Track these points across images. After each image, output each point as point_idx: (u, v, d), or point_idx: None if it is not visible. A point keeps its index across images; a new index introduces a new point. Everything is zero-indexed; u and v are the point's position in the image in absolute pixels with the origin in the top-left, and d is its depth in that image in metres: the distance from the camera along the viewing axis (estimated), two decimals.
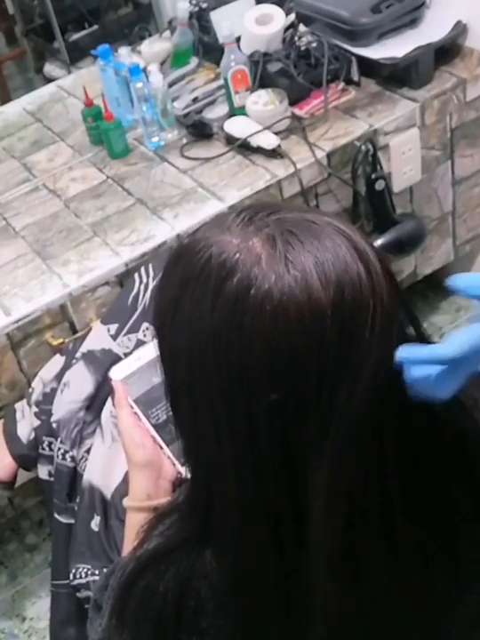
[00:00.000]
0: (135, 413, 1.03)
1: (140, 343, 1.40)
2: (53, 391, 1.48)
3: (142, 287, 1.46)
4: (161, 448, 1.01)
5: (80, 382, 1.41)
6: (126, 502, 1.04)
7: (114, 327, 1.43)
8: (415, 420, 0.67)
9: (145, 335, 1.40)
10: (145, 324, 1.41)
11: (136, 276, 1.49)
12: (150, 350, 1.06)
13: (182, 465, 1.02)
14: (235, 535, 0.69)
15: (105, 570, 1.14)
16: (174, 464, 1.02)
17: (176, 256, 0.69)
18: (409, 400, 0.66)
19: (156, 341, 0.71)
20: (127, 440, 1.02)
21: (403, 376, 0.65)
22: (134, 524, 0.99)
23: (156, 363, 1.07)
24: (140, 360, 1.07)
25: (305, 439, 0.64)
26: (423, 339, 0.71)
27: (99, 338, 1.44)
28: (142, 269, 1.49)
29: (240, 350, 0.63)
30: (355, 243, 0.64)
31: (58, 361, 1.52)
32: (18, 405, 1.57)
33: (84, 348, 1.45)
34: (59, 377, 1.48)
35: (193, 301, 0.65)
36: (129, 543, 1.04)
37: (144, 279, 1.47)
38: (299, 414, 0.63)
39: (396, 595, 0.70)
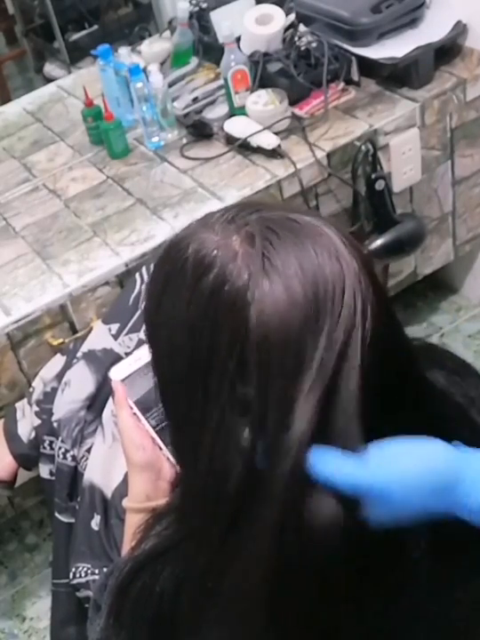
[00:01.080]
0: (134, 414, 1.03)
1: (141, 342, 1.40)
2: (54, 390, 1.48)
3: (143, 287, 1.46)
4: (160, 449, 1.01)
5: (81, 382, 1.42)
6: (125, 503, 1.04)
7: (115, 327, 1.43)
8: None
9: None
10: None
11: (137, 275, 1.49)
12: (148, 352, 1.07)
13: None
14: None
15: (105, 569, 1.14)
16: (174, 465, 1.01)
17: (163, 253, 0.71)
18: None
19: (146, 335, 0.73)
20: (127, 441, 1.02)
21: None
22: (133, 525, 0.98)
23: None
24: (139, 360, 1.06)
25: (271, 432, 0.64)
26: (404, 346, 0.71)
27: (100, 337, 1.44)
28: (143, 269, 1.50)
29: (212, 344, 0.64)
30: (334, 243, 0.65)
31: (59, 360, 1.52)
32: (18, 405, 1.57)
33: (85, 347, 1.46)
34: (59, 376, 1.48)
35: (173, 296, 0.67)
36: (128, 543, 1.04)
37: (145, 279, 1.47)
38: (263, 408, 0.64)
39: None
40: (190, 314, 0.65)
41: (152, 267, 1.47)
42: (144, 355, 1.05)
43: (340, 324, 0.63)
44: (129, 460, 1.02)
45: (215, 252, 0.65)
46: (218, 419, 0.65)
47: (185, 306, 0.65)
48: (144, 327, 1.38)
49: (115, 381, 1.05)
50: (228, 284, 0.63)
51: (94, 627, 0.94)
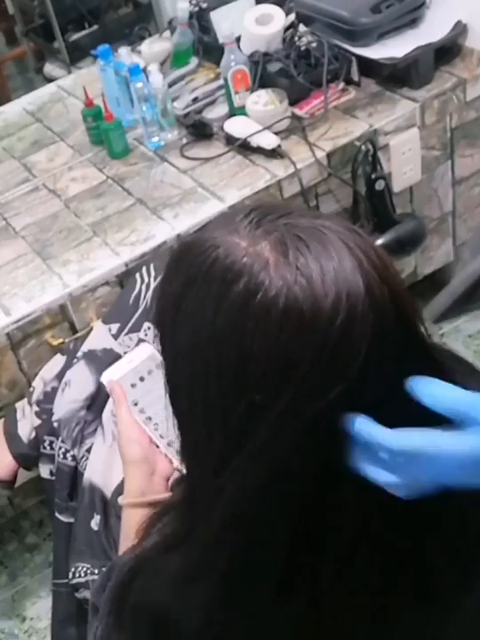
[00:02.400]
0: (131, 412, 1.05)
1: (140, 342, 1.40)
2: (54, 390, 1.48)
3: (144, 287, 1.46)
4: (157, 446, 1.03)
5: (81, 382, 1.42)
6: (121, 500, 1.05)
7: (115, 326, 1.44)
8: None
9: (146, 334, 1.41)
10: (146, 324, 1.41)
11: (137, 275, 1.49)
12: (141, 353, 1.10)
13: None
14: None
15: (103, 569, 1.14)
16: (171, 461, 1.03)
17: (181, 252, 0.68)
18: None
19: (157, 336, 0.71)
20: (123, 437, 1.03)
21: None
22: (130, 521, 1.01)
23: (148, 365, 1.09)
24: (131, 362, 1.08)
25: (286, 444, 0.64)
26: (432, 365, 0.69)
27: (100, 337, 1.44)
28: (143, 269, 1.49)
29: (240, 354, 0.62)
30: (360, 257, 0.63)
31: (59, 360, 1.52)
32: (18, 405, 1.57)
33: (85, 347, 1.46)
34: (60, 376, 1.48)
35: (197, 302, 0.64)
36: (125, 541, 1.05)
37: (145, 279, 1.47)
38: (284, 419, 0.63)
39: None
40: (218, 322, 0.63)
41: (152, 267, 1.49)
42: (135, 357, 1.09)
43: (355, 338, 0.62)
44: (124, 456, 1.03)
45: (245, 259, 0.62)
46: (234, 427, 0.64)
47: (211, 313, 0.63)
48: (148, 329, 1.39)
49: (111, 381, 1.07)
50: (261, 294, 0.61)
51: (93, 629, 0.94)
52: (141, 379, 1.05)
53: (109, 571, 0.95)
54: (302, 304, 0.61)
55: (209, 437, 0.66)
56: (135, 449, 1.02)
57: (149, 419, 1.03)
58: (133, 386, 1.05)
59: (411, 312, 0.66)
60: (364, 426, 0.63)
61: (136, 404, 1.03)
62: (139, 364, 1.05)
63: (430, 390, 0.64)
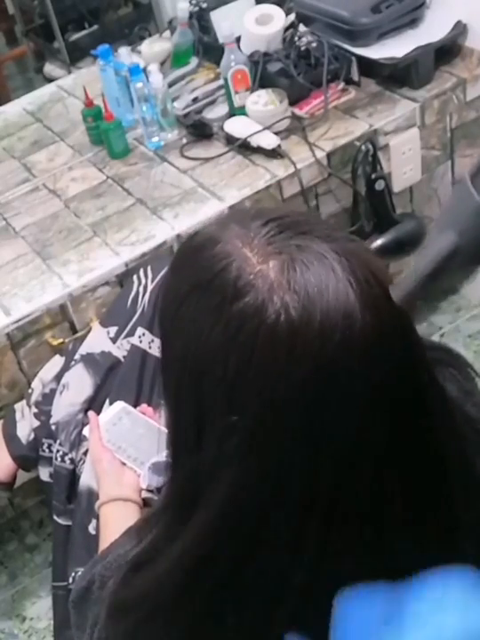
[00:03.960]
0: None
1: (134, 348, 1.40)
2: (53, 392, 1.48)
3: (141, 288, 1.46)
4: (124, 464, 1.23)
5: (79, 384, 1.41)
6: (97, 505, 1.19)
7: (113, 330, 1.43)
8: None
9: (140, 341, 1.40)
10: (140, 329, 1.40)
11: (134, 277, 1.49)
12: (113, 408, 1.33)
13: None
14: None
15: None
16: (137, 473, 1.22)
17: (194, 249, 0.67)
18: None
19: (160, 331, 0.70)
20: (93, 455, 1.24)
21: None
22: (107, 521, 1.15)
23: (119, 415, 1.30)
24: (106, 415, 1.32)
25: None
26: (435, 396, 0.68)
27: (98, 340, 1.44)
28: (141, 271, 1.49)
29: (227, 369, 0.62)
30: (364, 293, 0.62)
31: (57, 362, 1.52)
32: (17, 406, 1.57)
33: (84, 349, 1.45)
34: (58, 378, 1.48)
35: (197, 308, 0.64)
36: (105, 541, 1.10)
37: (143, 280, 1.47)
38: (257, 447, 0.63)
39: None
40: (212, 333, 0.62)
41: (150, 268, 1.49)
42: (110, 411, 1.33)
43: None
44: (95, 471, 1.24)
45: (251, 277, 0.61)
46: (212, 440, 0.64)
47: (209, 324, 0.62)
48: (143, 335, 1.39)
49: (90, 413, 1.33)
50: (258, 317, 0.60)
51: (78, 632, 0.95)
52: (114, 424, 1.29)
53: (88, 573, 0.97)
54: (298, 333, 0.59)
55: (193, 442, 0.66)
56: (103, 464, 1.21)
57: (120, 447, 1.24)
58: (107, 431, 1.28)
59: (416, 355, 0.65)
60: None
61: (109, 441, 1.26)
62: (112, 416, 1.30)
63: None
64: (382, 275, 0.64)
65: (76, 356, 1.45)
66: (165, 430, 1.23)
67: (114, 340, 1.42)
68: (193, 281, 0.65)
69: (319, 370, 0.60)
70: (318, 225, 0.66)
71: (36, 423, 1.49)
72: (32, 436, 1.49)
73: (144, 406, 1.33)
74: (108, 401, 1.38)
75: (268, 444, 0.62)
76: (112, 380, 1.41)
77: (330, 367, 0.60)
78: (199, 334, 0.63)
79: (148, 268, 1.49)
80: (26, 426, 1.51)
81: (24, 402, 1.55)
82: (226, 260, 0.63)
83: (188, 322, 0.64)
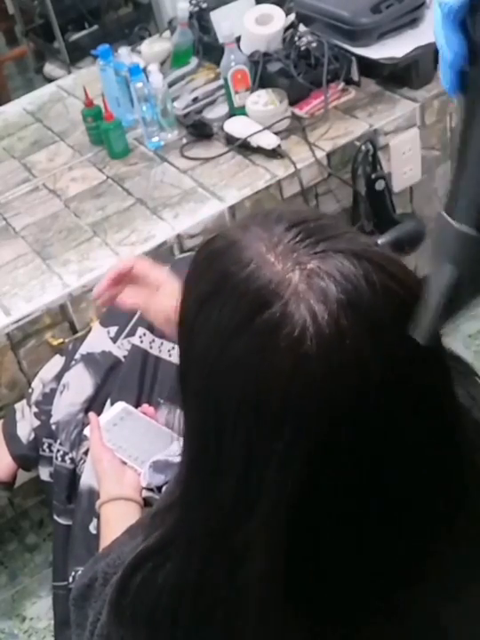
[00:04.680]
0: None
1: (134, 348, 1.40)
2: (53, 391, 1.48)
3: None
4: (124, 463, 1.23)
5: (79, 384, 1.41)
6: (97, 504, 1.20)
7: (114, 329, 1.43)
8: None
9: (141, 341, 1.40)
10: (141, 329, 1.40)
11: None
12: (115, 408, 1.33)
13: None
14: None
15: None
16: (138, 472, 1.23)
17: (218, 251, 0.65)
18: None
19: (177, 328, 0.69)
20: (94, 455, 1.24)
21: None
22: (108, 520, 1.16)
23: (120, 415, 1.30)
24: (108, 415, 1.31)
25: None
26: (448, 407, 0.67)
27: (98, 340, 1.44)
28: None
29: (245, 382, 0.61)
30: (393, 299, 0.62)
31: (57, 361, 1.52)
32: (18, 406, 1.57)
33: (84, 349, 1.45)
34: (58, 377, 1.48)
35: (220, 314, 0.62)
36: (105, 540, 1.11)
37: None
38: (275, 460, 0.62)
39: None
40: (233, 342, 0.61)
41: None
42: (111, 411, 1.32)
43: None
44: (95, 471, 1.24)
45: (276, 287, 0.60)
46: (229, 447, 0.64)
47: (230, 331, 0.61)
48: (143, 336, 1.39)
49: (91, 413, 1.33)
50: (285, 330, 0.59)
51: (78, 630, 0.95)
52: (114, 424, 1.29)
53: (89, 570, 0.97)
54: (323, 350, 0.58)
55: (206, 444, 0.66)
56: (103, 463, 1.21)
57: (120, 447, 1.24)
58: (108, 431, 1.28)
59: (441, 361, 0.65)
60: None
61: (109, 440, 1.26)
62: (113, 416, 1.30)
63: None
64: (410, 281, 0.64)
65: (77, 356, 1.45)
66: (166, 430, 1.24)
67: (114, 340, 1.42)
68: (217, 284, 0.63)
69: (354, 381, 0.59)
70: (342, 230, 0.64)
71: (37, 423, 1.49)
72: (32, 435, 1.49)
73: (145, 406, 1.33)
74: (108, 401, 1.38)
75: (306, 454, 0.61)
76: (113, 380, 1.41)
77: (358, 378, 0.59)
78: (219, 339, 0.62)
79: None
80: (26, 425, 1.51)
81: (24, 401, 1.55)
82: (251, 268, 0.61)
83: (210, 324, 0.63)
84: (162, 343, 1.38)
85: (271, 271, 0.61)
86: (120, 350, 1.41)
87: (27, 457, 1.50)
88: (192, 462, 0.70)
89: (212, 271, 0.65)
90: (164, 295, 1.11)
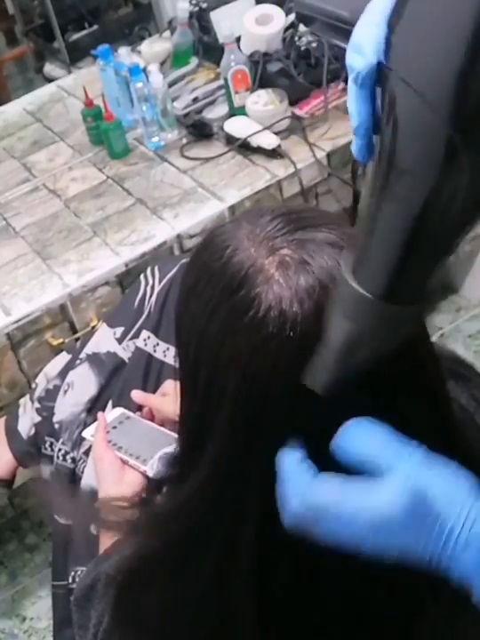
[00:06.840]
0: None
1: (138, 351, 1.39)
2: (56, 388, 1.47)
3: (148, 289, 1.45)
4: (126, 463, 1.22)
5: (84, 384, 1.41)
6: (96, 505, 1.15)
7: (120, 330, 1.43)
8: None
9: (145, 344, 1.40)
10: (146, 332, 1.40)
11: (142, 277, 1.48)
12: (114, 413, 1.32)
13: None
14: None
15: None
16: (139, 474, 1.21)
17: (205, 243, 0.68)
18: None
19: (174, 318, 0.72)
20: (96, 455, 1.21)
21: None
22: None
23: (119, 418, 1.29)
24: (108, 418, 1.30)
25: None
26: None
27: (104, 340, 1.44)
28: (148, 271, 1.48)
29: (217, 363, 0.63)
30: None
31: (64, 358, 1.52)
32: (21, 401, 1.56)
33: (89, 349, 1.45)
34: (62, 374, 1.48)
35: (200, 299, 0.65)
36: (105, 539, 1.10)
37: (150, 281, 1.46)
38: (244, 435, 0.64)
39: None
40: (211, 326, 0.63)
41: (157, 268, 1.48)
42: (111, 415, 1.31)
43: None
44: (96, 470, 1.22)
45: (250, 270, 0.62)
46: (215, 426, 0.65)
47: (208, 313, 0.64)
48: (148, 339, 1.39)
49: (100, 413, 1.31)
50: (252, 310, 0.61)
51: (80, 631, 0.95)
52: (114, 427, 1.29)
53: (92, 571, 0.97)
54: (288, 331, 0.60)
55: (197, 433, 0.68)
56: (104, 463, 1.20)
57: (122, 447, 1.23)
58: (108, 432, 1.28)
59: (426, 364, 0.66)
60: (286, 464, 0.60)
61: (110, 441, 1.26)
62: (113, 419, 1.31)
63: (342, 440, 0.58)
64: None
65: (82, 355, 1.44)
66: (167, 432, 1.24)
67: (120, 341, 1.42)
68: (200, 272, 0.66)
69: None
70: (324, 220, 0.66)
71: (38, 419, 1.48)
72: (33, 430, 1.49)
73: (147, 410, 1.33)
74: (110, 402, 1.38)
75: (254, 434, 0.63)
76: (116, 382, 1.41)
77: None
78: (200, 320, 0.64)
79: (156, 268, 1.47)
80: (27, 420, 1.51)
81: (28, 396, 1.55)
82: (229, 253, 0.64)
83: (195, 308, 0.66)
84: (167, 348, 1.37)
85: (246, 256, 0.63)
86: (125, 352, 1.41)
87: (26, 452, 1.50)
88: (184, 450, 0.72)
89: (200, 261, 0.67)
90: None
